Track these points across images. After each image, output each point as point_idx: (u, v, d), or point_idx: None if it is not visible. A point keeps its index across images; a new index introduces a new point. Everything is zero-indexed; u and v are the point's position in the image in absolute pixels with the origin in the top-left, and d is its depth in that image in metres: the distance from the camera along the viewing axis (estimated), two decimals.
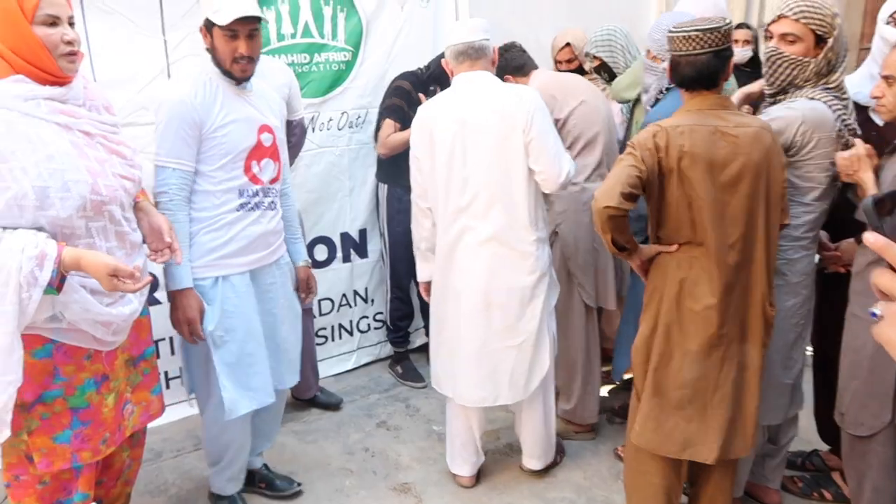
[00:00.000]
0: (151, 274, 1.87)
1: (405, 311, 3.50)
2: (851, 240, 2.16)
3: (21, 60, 1.61)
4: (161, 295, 2.91)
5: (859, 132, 2.07)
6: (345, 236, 3.48)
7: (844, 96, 2.06)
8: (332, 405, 3.22)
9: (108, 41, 2.65)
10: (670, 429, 1.99)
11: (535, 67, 2.85)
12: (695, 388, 1.96)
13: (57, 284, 1.57)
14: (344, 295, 3.56)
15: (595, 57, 3.22)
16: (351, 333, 3.64)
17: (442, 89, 2.49)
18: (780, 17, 2.05)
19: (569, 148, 2.61)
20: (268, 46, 3.00)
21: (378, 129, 3.23)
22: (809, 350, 2.38)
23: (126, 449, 2.02)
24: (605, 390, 3.29)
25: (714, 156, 1.85)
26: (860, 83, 2.27)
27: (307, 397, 3.21)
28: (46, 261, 1.54)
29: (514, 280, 2.34)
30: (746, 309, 1.96)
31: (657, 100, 2.58)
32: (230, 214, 2.14)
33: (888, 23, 2.25)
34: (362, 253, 3.57)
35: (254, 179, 2.17)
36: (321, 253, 3.42)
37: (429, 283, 2.54)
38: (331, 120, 3.30)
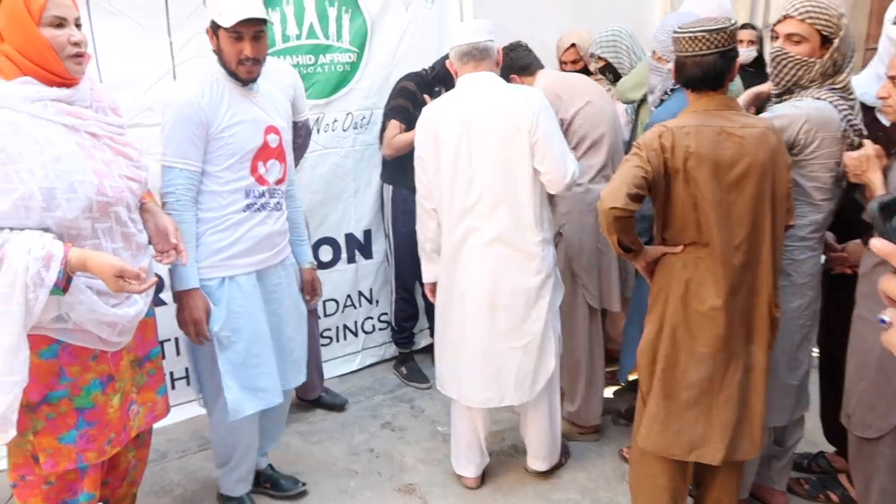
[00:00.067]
0: (157, 275, 1.87)
1: (410, 311, 3.50)
2: (858, 241, 2.15)
3: (28, 62, 1.62)
4: (166, 296, 2.92)
5: (865, 133, 2.06)
6: (349, 237, 3.49)
7: (851, 97, 2.05)
8: (337, 406, 3.22)
9: (114, 42, 2.66)
10: (676, 431, 1.98)
11: (541, 67, 2.85)
12: (701, 390, 1.95)
13: (63, 285, 1.58)
14: (349, 296, 3.56)
15: (600, 57, 3.22)
16: (356, 334, 3.64)
17: (447, 90, 2.49)
18: (785, 17, 2.04)
19: (574, 148, 2.60)
20: (273, 48, 3.00)
21: (383, 130, 3.23)
22: (815, 351, 2.37)
23: (132, 449, 2.03)
24: (610, 392, 3.29)
25: (720, 156, 1.84)
26: (867, 83, 2.26)
27: (312, 398, 3.21)
28: (53, 262, 1.55)
29: (519, 281, 2.33)
30: (752, 310, 1.96)
31: (662, 101, 2.57)
32: (236, 215, 2.15)
33: (895, 23, 2.24)
34: (367, 254, 3.57)
35: (260, 180, 2.17)
36: (326, 254, 3.42)
37: (434, 284, 2.54)
38: (336, 121, 3.31)
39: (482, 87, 2.30)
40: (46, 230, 1.60)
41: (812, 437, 2.61)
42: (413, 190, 2.51)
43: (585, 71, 3.41)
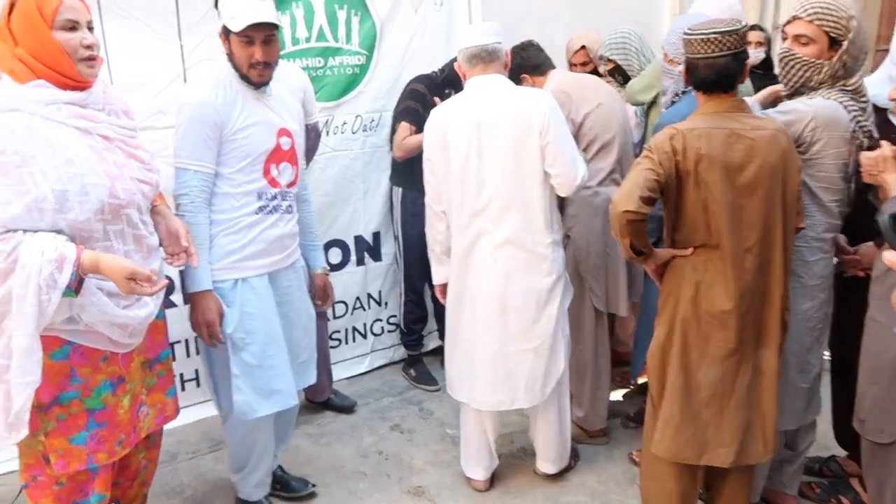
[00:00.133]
0: (167, 277, 1.88)
1: (419, 314, 3.50)
2: (871, 243, 2.13)
3: (41, 65, 1.63)
4: (177, 298, 2.94)
5: (875, 135, 2.05)
6: (359, 239, 3.49)
7: (863, 99, 2.04)
8: (346, 408, 3.23)
9: (125, 46, 2.67)
10: (689, 436, 1.97)
11: (553, 67, 2.82)
12: (712, 392, 1.95)
13: (75, 287, 1.59)
14: (358, 298, 3.56)
15: (609, 60, 3.22)
16: (364, 336, 3.64)
17: (457, 93, 2.49)
18: (794, 18, 2.04)
19: (584, 151, 2.60)
20: (283, 50, 3.01)
21: (393, 132, 3.24)
22: (827, 355, 2.36)
23: (142, 450, 2.03)
24: (619, 395, 3.28)
25: (731, 159, 1.84)
26: (878, 85, 2.25)
27: (321, 400, 3.22)
28: (66, 264, 1.56)
29: (530, 283, 2.33)
30: (763, 313, 1.95)
31: (673, 102, 2.57)
32: (249, 217, 2.15)
33: None
34: (376, 256, 3.57)
35: (272, 183, 2.18)
36: (335, 256, 3.43)
37: (444, 286, 2.54)
38: (345, 123, 3.31)
39: (491, 89, 2.30)
40: (59, 232, 1.61)
41: (823, 441, 2.59)
42: (422, 192, 2.51)
43: (595, 73, 3.40)
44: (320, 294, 2.50)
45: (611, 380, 3.23)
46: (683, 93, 2.50)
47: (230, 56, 2.11)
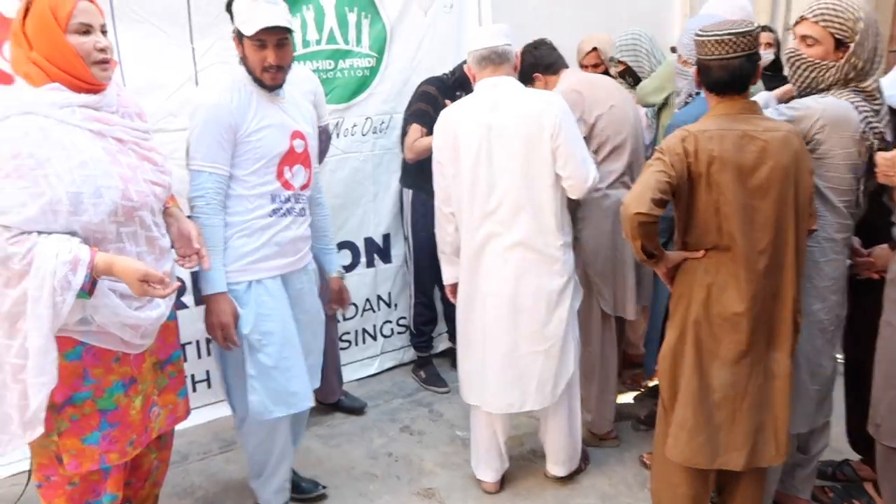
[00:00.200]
0: (179, 279, 1.89)
1: (429, 315, 3.51)
2: (885, 245, 2.12)
3: (56, 69, 1.64)
4: (188, 299, 2.95)
5: (889, 137, 2.03)
6: (369, 241, 3.50)
7: (877, 101, 2.02)
8: (356, 409, 3.23)
9: (138, 49, 2.69)
10: (702, 440, 1.96)
11: (566, 66, 2.80)
12: (725, 395, 1.93)
13: (89, 288, 1.60)
14: (367, 300, 3.57)
15: (619, 61, 3.21)
16: (374, 338, 3.65)
17: (467, 95, 2.49)
18: (801, 18, 2.04)
19: (595, 153, 2.58)
20: (293, 53, 3.02)
21: (404, 134, 3.24)
22: (841, 358, 2.34)
23: (154, 451, 2.04)
24: (630, 397, 3.27)
25: (744, 160, 1.83)
26: (891, 86, 2.23)
27: (331, 401, 3.22)
28: (80, 266, 1.57)
29: (541, 284, 2.33)
30: (775, 315, 1.93)
31: (686, 104, 2.55)
32: (262, 220, 2.15)
33: None
34: (386, 258, 3.58)
35: (286, 185, 2.18)
36: (345, 258, 3.44)
37: (454, 285, 2.54)
38: (355, 125, 3.32)
39: (502, 91, 2.30)
40: (73, 234, 1.62)
41: (836, 445, 2.57)
42: (432, 194, 2.51)
43: (605, 75, 3.39)
44: (336, 298, 2.50)
45: (622, 382, 3.23)
46: (697, 94, 2.49)
47: (244, 59, 2.12)
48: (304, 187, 2.25)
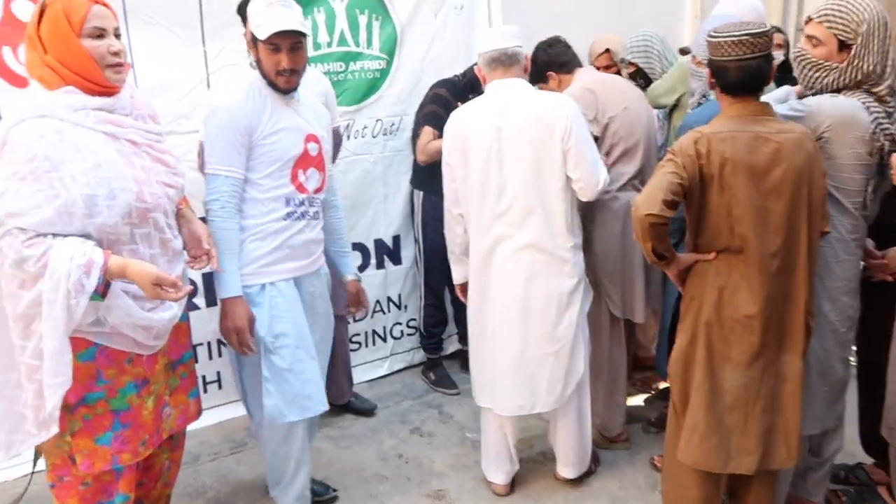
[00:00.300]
0: (192, 281, 1.90)
1: (439, 317, 3.51)
2: None
3: (70, 72, 1.66)
4: (200, 301, 2.97)
5: None
6: (379, 243, 3.51)
7: (891, 105, 2.01)
8: (367, 411, 3.24)
9: (151, 51, 2.72)
10: (715, 443, 1.95)
11: (580, 65, 2.77)
12: (737, 398, 1.92)
13: (102, 291, 1.61)
14: (377, 301, 3.57)
15: (630, 63, 3.20)
16: (384, 340, 3.65)
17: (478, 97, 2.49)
18: (808, 19, 2.05)
19: (606, 154, 2.57)
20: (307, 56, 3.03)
21: (415, 136, 3.25)
22: (854, 360, 2.32)
23: (166, 451, 2.05)
24: (641, 399, 3.26)
25: (757, 162, 1.82)
26: None
27: (342, 403, 3.22)
28: (93, 269, 1.58)
29: (552, 286, 2.32)
30: (787, 318, 1.92)
31: (699, 105, 2.54)
32: (276, 223, 2.15)
33: None
34: (396, 260, 3.58)
35: (300, 188, 2.18)
36: (355, 259, 3.43)
37: (464, 284, 2.54)
38: (365, 127, 3.33)
39: (512, 92, 2.30)
40: (87, 236, 1.64)
41: (850, 448, 2.55)
42: (443, 196, 2.50)
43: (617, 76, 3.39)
44: (353, 300, 2.49)
45: (632, 384, 3.22)
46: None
47: (258, 63, 2.12)
48: (317, 191, 2.24)
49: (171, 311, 1.83)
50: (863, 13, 1.94)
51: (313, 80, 2.80)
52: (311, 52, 3.10)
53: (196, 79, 2.84)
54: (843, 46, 1.97)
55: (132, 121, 1.77)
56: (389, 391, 3.49)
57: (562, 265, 2.32)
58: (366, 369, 3.58)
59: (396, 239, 3.55)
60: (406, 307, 3.67)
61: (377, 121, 3.36)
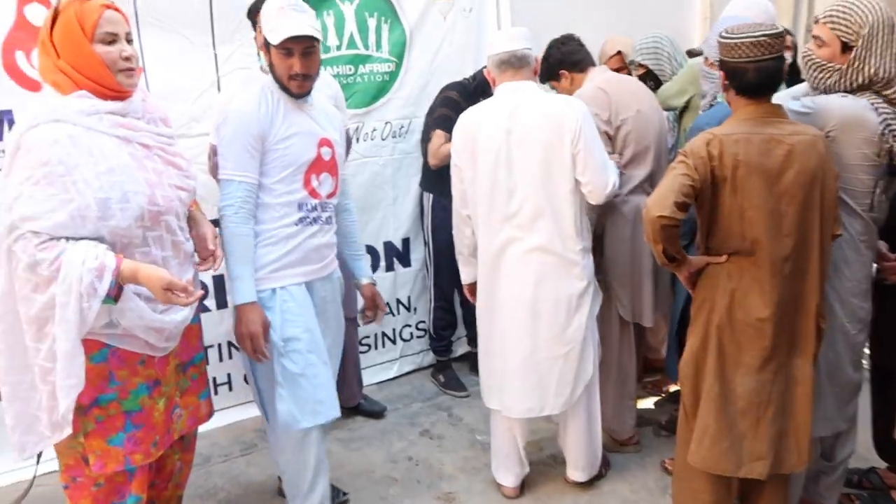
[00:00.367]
0: (203, 284, 1.91)
1: (448, 320, 3.51)
2: None
3: (83, 77, 1.67)
4: (210, 303, 2.99)
5: None
6: (388, 245, 3.51)
7: None
8: (376, 413, 3.24)
9: (162, 55, 2.74)
10: (726, 447, 1.94)
11: (593, 64, 2.75)
12: (749, 402, 1.91)
13: (115, 294, 1.63)
14: (387, 303, 3.57)
15: (640, 65, 3.19)
16: (394, 342, 3.66)
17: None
18: (816, 19, 2.05)
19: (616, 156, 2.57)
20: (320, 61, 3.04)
21: (426, 139, 3.25)
22: (866, 364, 2.30)
23: (177, 452, 2.06)
24: (651, 402, 3.24)
25: (770, 165, 1.81)
26: None
27: (351, 405, 3.23)
28: (105, 273, 1.60)
29: (561, 288, 2.32)
30: (799, 321, 1.91)
31: (711, 106, 2.53)
32: (288, 228, 2.13)
33: None
34: (405, 262, 3.59)
35: (313, 193, 2.16)
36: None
37: (472, 285, 2.54)
38: (374, 130, 3.34)
39: (522, 95, 2.30)
40: (101, 239, 1.65)
41: (863, 452, 2.53)
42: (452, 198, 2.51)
43: None
44: (370, 304, 2.47)
45: (642, 387, 3.20)
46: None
47: (271, 67, 2.11)
48: (330, 195, 2.23)
49: (182, 313, 1.84)
50: (866, 15, 1.93)
51: (323, 84, 2.78)
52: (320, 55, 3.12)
53: (207, 82, 2.86)
54: (846, 48, 1.96)
55: (144, 124, 1.78)
56: (399, 393, 3.49)
57: (571, 268, 2.32)
58: (375, 371, 3.59)
59: (406, 241, 3.56)
60: (415, 309, 3.67)
61: (386, 123, 3.36)
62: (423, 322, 3.68)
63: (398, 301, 3.62)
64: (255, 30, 2.65)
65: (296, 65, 2.05)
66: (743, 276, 1.89)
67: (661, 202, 1.80)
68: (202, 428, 2.17)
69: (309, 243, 2.18)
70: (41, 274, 1.59)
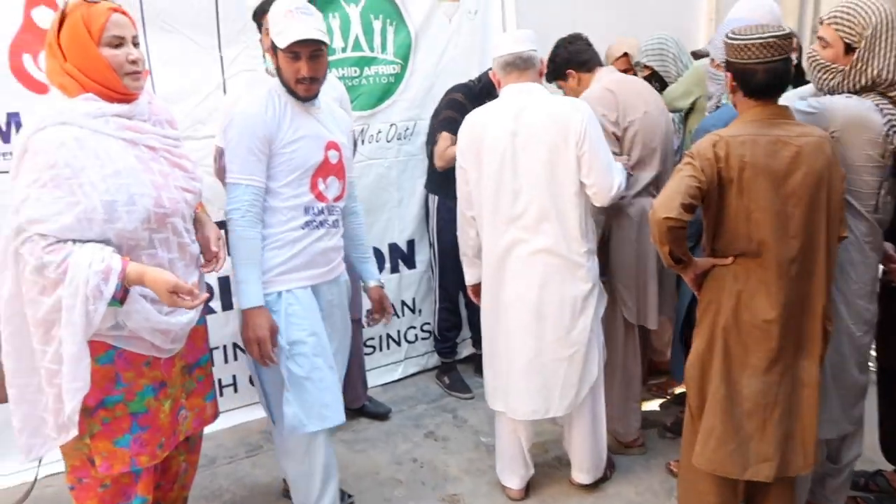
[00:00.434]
0: (208, 285, 1.92)
1: (453, 321, 3.51)
2: None
3: (89, 80, 1.68)
4: (216, 304, 2.99)
5: None
6: (393, 247, 3.52)
7: None
8: (381, 415, 3.24)
9: (168, 57, 2.74)
10: (732, 449, 1.93)
11: (601, 64, 2.73)
12: (755, 404, 1.91)
13: (121, 297, 1.63)
14: (392, 305, 3.57)
15: (646, 66, 3.19)
16: (399, 344, 3.66)
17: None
18: (820, 20, 2.05)
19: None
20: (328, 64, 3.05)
21: (431, 141, 3.25)
22: (873, 366, 2.29)
23: (182, 453, 2.07)
24: (656, 404, 3.24)
25: (777, 166, 1.80)
26: None
27: (356, 407, 3.23)
28: (111, 275, 1.60)
29: (566, 290, 2.32)
30: (806, 323, 1.90)
31: (717, 108, 2.52)
32: (295, 232, 2.12)
33: None
34: (410, 264, 3.59)
35: (320, 197, 2.15)
36: None
37: (476, 286, 2.54)
38: (380, 132, 3.35)
39: (527, 97, 2.30)
40: (107, 241, 1.65)
41: (869, 455, 2.52)
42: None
43: None
44: (377, 307, 2.47)
45: (647, 389, 3.20)
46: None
47: (278, 70, 2.10)
48: (337, 199, 2.22)
49: (188, 315, 1.84)
50: (870, 17, 1.92)
51: (328, 86, 2.78)
52: None
53: (212, 84, 2.87)
54: (850, 49, 1.96)
55: (150, 126, 1.79)
56: (404, 395, 3.49)
57: (576, 270, 2.32)
58: (380, 373, 3.59)
59: (411, 243, 3.56)
60: (420, 311, 3.67)
61: (391, 125, 3.37)
62: (428, 324, 3.68)
63: (403, 303, 3.62)
64: (260, 32, 2.66)
65: (303, 68, 2.04)
66: (749, 278, 1.89)
67: (667, 204, 1.80)
68: (208, 429, 2.18)
69: (315, 247, 2.17)
70: (48, 276, 1.59)
